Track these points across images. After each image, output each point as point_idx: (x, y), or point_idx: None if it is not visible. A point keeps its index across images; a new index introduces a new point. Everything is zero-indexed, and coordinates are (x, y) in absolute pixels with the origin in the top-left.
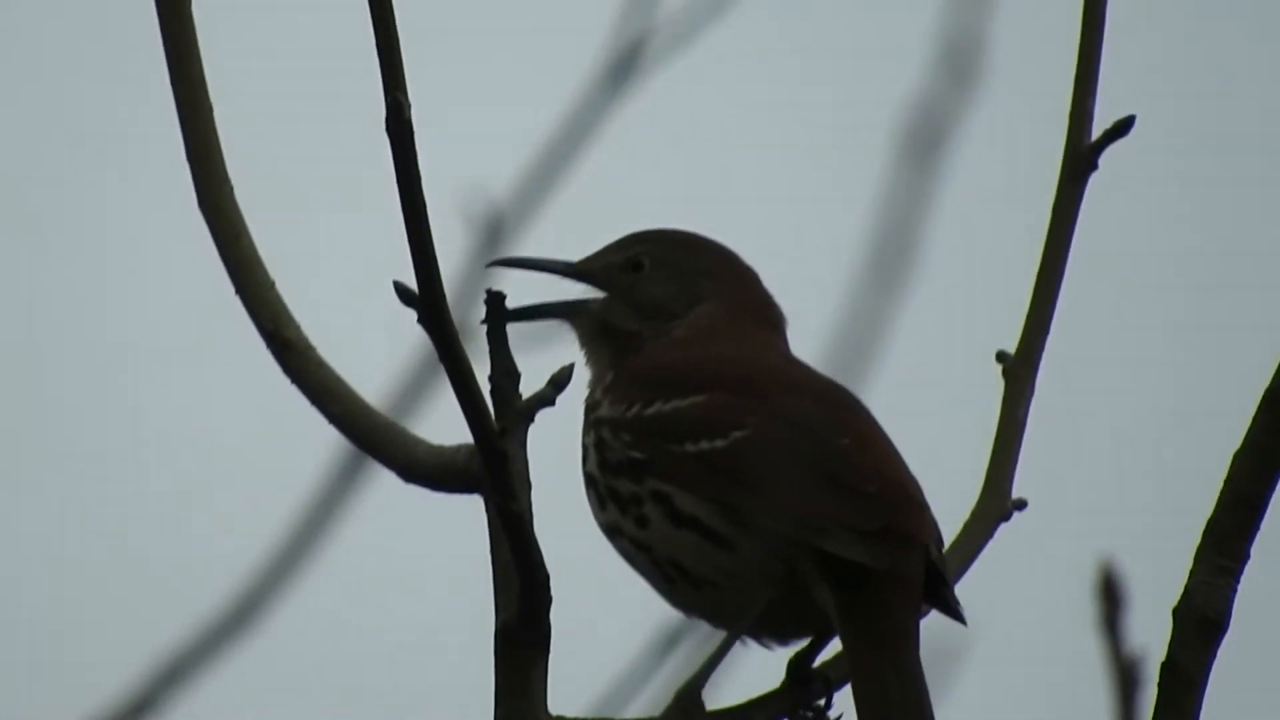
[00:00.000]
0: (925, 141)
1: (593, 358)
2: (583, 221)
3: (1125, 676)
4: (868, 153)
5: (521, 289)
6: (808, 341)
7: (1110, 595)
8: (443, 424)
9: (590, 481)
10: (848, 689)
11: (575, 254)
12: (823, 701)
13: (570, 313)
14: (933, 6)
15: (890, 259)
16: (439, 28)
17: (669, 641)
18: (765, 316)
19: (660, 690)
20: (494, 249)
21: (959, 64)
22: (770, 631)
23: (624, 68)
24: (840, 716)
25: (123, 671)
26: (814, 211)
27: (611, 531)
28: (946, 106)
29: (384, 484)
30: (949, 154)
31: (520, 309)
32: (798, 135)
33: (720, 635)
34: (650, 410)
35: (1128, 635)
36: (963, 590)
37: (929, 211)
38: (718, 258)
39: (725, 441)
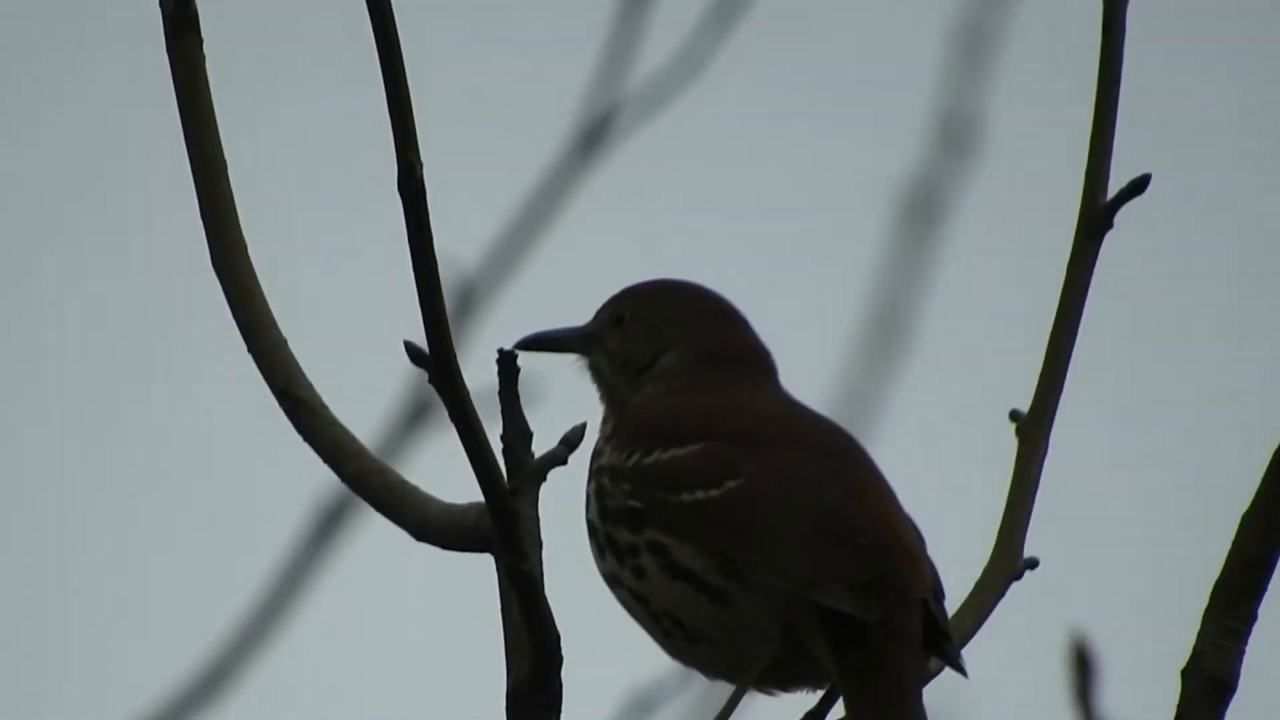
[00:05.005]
0: (924, 211)
1: (600, 396)
2: (559, 289)
3: None
4: (863, 222)
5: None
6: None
7: (1082, 666)
8: (449, 478)
9: (591, 530)
10: None
11: (555, 320)
12: None
13: (581, 348)
14: (926, 78)
15: (888, 326)
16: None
17: (644, 705)
18: (743, 360)
19: None
20: (466, 318)
21: (957, 135)
22: (774, 682)
23: (595, 136)
24: None
25: None
26: (807, 279)
27: (611, 581)
28: (945, 177)
29: (396, 541)
30: (948, 223)
31: (529, 339)
32: (786, 205)
33: (719, 687)
34: (649, 459)
35: (1099, 706)
36: (973, 648)
37: (928, 279)
38: (690, 305)
39: (719, 491)
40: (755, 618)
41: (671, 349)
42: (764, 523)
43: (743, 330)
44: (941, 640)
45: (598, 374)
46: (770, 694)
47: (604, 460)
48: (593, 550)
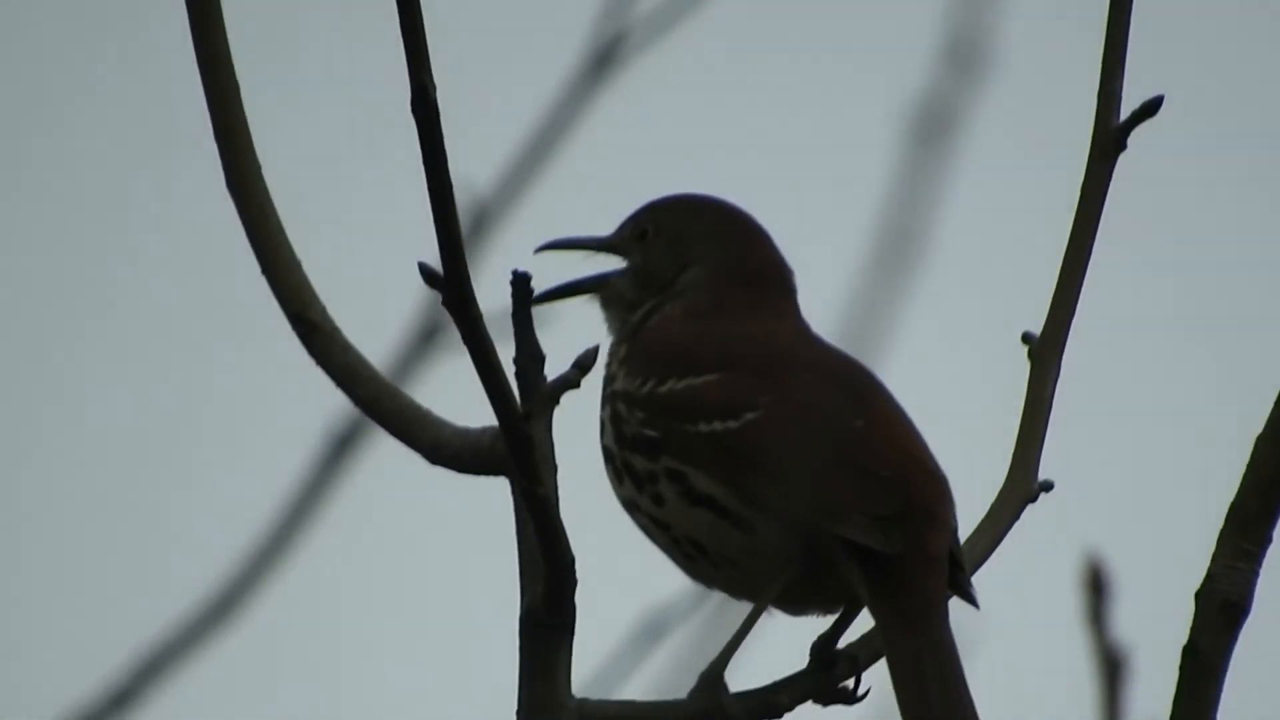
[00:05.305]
0: (935, 132)
1: (610, 327)
2: (572, 211)
3: (1110, 668)
4: (873, 142)
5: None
6: (817, 328)
7: (1096, 588)
8: (463, 401)
9: (608, 456)
10: (873, 670)
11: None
12: (851, 682)
13: (595, 287)
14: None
15: (899, 247)
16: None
17: (656, 628)
18: (765, 279)
19: (666, 671)
20: (479, 239)
21: (968, 55)
22: (793, 604)
23: (607, 57)
24: (869, 692)
25: (104, 663)
26: (817, 200)
27: (630, 507)
28: (956, 97)
29: (410, 465)
30: (960, 143)
31: (547, 291)
32: (796, 125)
33: (737, 606)
34: (663, 388)
35: (1112, 628)
36: (988, 570)
37: (940, 200)
38: (715, 219)
39: (737, 423)
40: (778, 542)
41: (696, 264)
42: (784, 455)
43: (767, 246)
44: (955, 571)
45: (610, 303)
46: (791, 614)
47: (617, 385)
48: (609, 475)
